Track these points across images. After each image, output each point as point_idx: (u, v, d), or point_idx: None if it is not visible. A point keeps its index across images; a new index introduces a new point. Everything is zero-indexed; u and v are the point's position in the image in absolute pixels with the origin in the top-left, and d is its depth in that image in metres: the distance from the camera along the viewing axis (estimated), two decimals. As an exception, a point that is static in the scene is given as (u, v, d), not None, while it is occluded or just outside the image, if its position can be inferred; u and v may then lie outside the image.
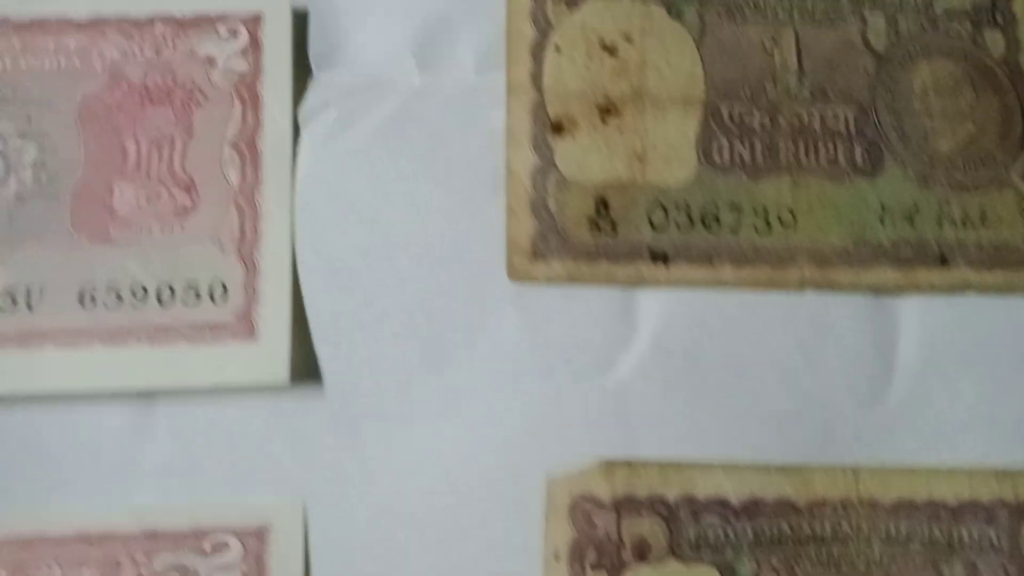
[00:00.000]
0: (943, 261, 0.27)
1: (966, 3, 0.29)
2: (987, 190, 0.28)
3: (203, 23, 0.26)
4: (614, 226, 0.26)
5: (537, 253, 0.26)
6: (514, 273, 0.26)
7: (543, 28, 0.27)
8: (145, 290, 0.24)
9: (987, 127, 0.28)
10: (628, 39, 0.27)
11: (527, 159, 0.26)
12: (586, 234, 0.26)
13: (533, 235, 0.26)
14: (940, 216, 0.27)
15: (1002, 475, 0.26)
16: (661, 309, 0.26)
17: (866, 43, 0.28)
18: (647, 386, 0.26)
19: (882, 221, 0.27)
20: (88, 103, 0.25)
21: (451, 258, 0.26)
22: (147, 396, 0.24)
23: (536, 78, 0.27)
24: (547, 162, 0.26)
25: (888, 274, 0.27)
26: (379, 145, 0.26)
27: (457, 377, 0.25)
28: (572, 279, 0.26)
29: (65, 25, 0.26)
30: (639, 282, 0.26)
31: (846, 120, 0.28)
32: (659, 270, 0.26)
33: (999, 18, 0.29)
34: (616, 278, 0.26)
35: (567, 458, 0.25)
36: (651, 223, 0.26)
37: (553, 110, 0.27)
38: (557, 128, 0.27)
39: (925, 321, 0.27)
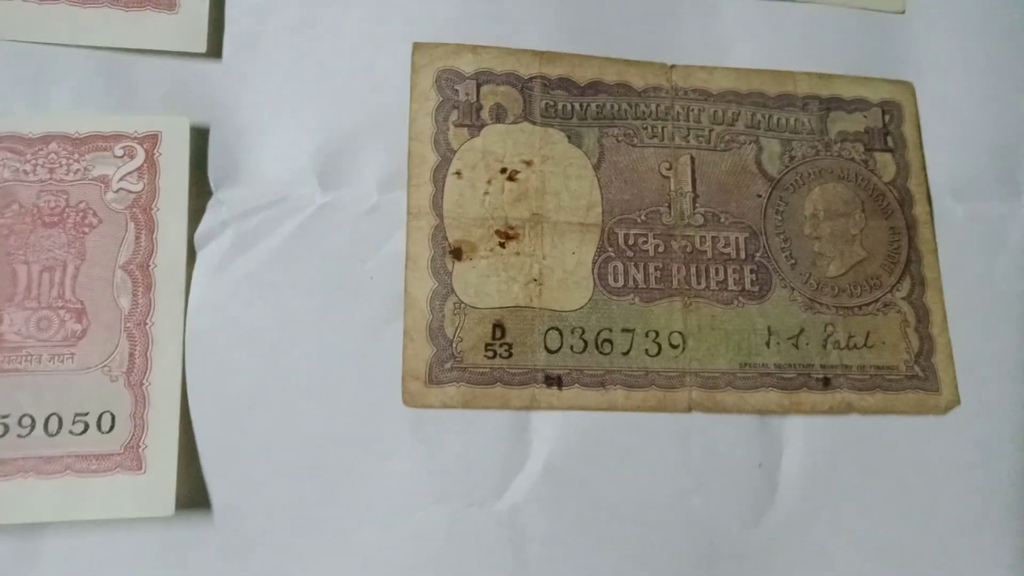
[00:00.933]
0: (826, 384, 0.28)
1: (859, 127, 0.30)
2: (872, 313, 0.29)
3: (98, 142, 0.26)
4: (510, 350, 0.27)
5: (433, 379, 0.26)
6: (410, 399, 0.26)
7: (445, 153, 0.28)
8: (33, 421, 0.24)
9: (875, 250, 0.30)
10: (528, 164, 0.28)
11: (425, 284, 0.27)
12: (482, 359, 0.26)
13: (429, 360, 0.26)
14: (825, 339, 0.28)
15: (879, 589, 0.27)
16: (554, 432, 0.27)
17: (760, 168, 0.29)
18: (539, 510, 0.26)
19: (768, 345, 0.28)
20: (-23, 225, 0.25)
21: (347, 384, 0.26)
22: (32, 526, 0.24)
23: (437, 203, 0.27)
24: (445, 287, 0.27)
25: (772, 397, 0.28)
26: (276, 268, 0.27)
27: (350, 505, 0.25)
28: (467, 404, 0.26)
29: (-46, 142, 0.26)
30: (533, 406, 0.27)
31: (737, 244, 0.29)
32: (553, 394, 0.27)
33: (890, 141, 0.31)
34: (511, 403, 0.26)
35: (459, 582, 0.25)
36: (546, 347, 0.27)
37: (453, 235, 0.27)
38: (456, 253, 0.27)
39: (808, 442, 0.28)
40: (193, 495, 0.25)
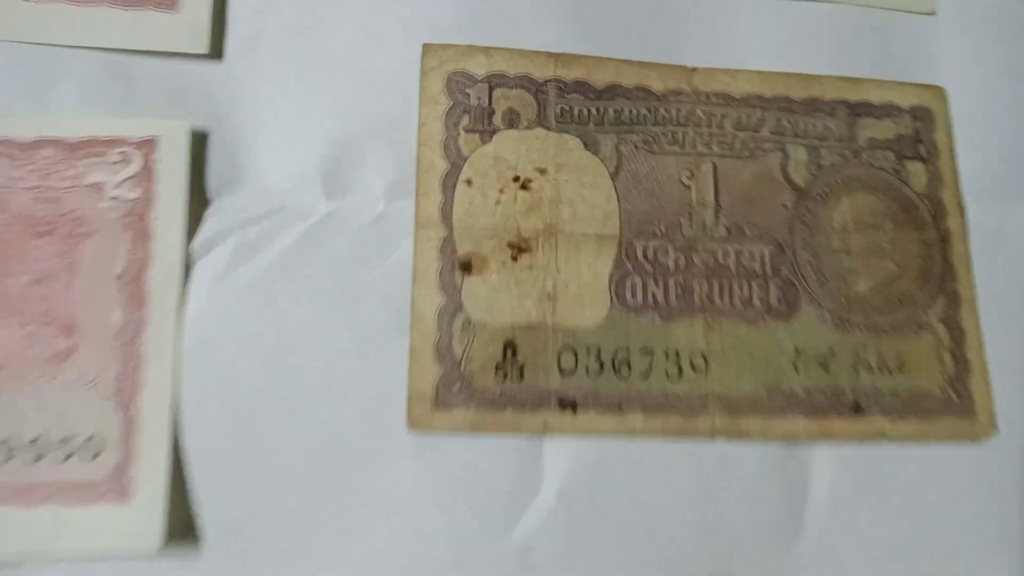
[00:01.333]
0: (857, 409, 0.26)
1: (889, 134, 0.29)
2: (905, 334, 0.27)
3: (93, 147, 0.25)
4: (521, 372, 0.25)
5: (440, 402, 0.25)
6: (415, 423, 0.24)
7: (455, 160, 0.26)
8: (14, 445, 0.23)
9: (907, 265, 0.28)
10: (542, 172, 0.27)
11: (433, 299, 0.25)
12: (491, 381, 0.25)
13: (436, 382, 0.25)
14: (856, 362, 0.27)
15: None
16: (568, 459, 0.25)
17: (786, 176, 0.28)
18: (552, 541, 0.25)
19: (796, 367, 0.26)
20: (-35, 234, 0.24)
21: (350, 405, 0.25)
22: (14, 561, 0.23)
23: (446, 212, 0.26)
24: (454, 303, 0.25)
25: (800, 423, 0.26)
26: (279, 279, 0.25)
27: (350, 536, 0.24)
28: (476, 429, 0.25)
29: (-57, 147, 0.25)
30: (546, 431, 0.25)
31: (762, 258, 0.27)
32: (567, 418, 0.25)
33: (922, 150, 0.29)
34: (522, 427, 0.25)
35: (466, 616, 0.24)
36: (560, 368, 0.25)
37: (462, 247, 0.26)
38: (465, 267, 0.26)
39: (837, 469, 0.26)
40: (182, 527, 0.23)
